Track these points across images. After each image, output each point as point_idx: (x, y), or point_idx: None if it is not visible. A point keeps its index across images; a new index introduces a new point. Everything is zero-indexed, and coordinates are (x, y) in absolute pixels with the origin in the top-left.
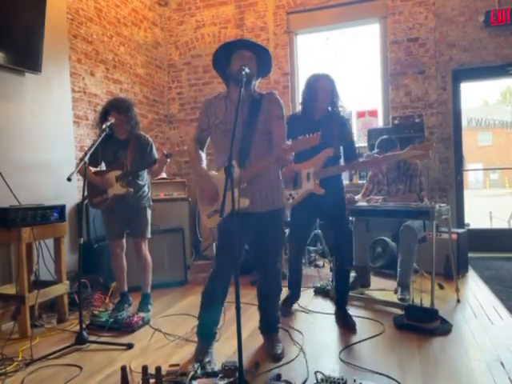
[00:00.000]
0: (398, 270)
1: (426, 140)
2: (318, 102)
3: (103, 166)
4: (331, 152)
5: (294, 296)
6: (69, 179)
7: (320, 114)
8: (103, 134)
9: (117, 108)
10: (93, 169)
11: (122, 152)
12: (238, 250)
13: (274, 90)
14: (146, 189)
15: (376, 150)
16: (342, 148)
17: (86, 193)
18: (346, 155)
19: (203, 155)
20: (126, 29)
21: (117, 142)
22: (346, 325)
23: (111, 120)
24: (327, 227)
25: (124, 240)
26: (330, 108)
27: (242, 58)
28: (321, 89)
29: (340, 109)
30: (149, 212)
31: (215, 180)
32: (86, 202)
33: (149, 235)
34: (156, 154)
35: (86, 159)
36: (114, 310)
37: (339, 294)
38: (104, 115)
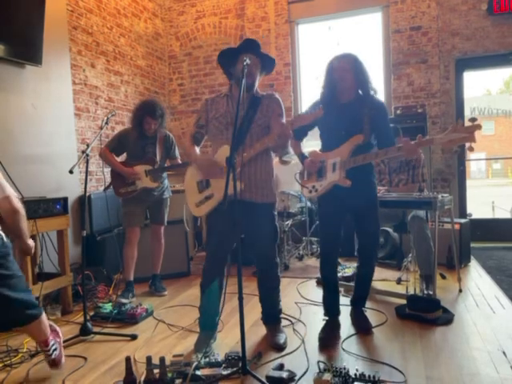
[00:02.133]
0: (418, 263)
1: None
2: (338, 84)
3: (121, 157)
4: (361, 139)
5: (333, 322)
6: (71, 171)
7: (347, 98)
8: (105, 125)
9: (152, 114)
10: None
11: (150, 148)
12: (231, 239)
13: (275, 84)
14: (166, 181)
15: None
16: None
17: (106, 182)
18: (380, 144)
19: (197, 150)
20: (126, 20)
21: (145, 137)
22: (360, 328)
23: (112, 113)
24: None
25: (140, 230)
26: (360, 91)
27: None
28: (338, 68)
29: (372, 92)
30: (169, 201)
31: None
32: (108, 189)
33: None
34: (178, 152)
35: (88, 151)
36: (119, 296)
37: (358, 295)
38: (139, 119)
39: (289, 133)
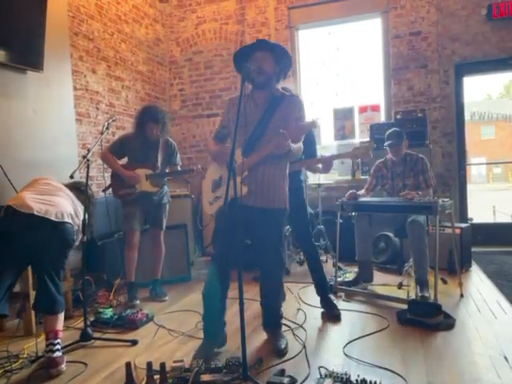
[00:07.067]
0: (414, 267)
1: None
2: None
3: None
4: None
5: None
6: (71, 176)
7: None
8: (106, 131)
9: (154, 119)
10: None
11: (151, 152)
12: (235, 240)
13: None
14: (165, 187)
15: (388, 142)
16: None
17: (108, 184)
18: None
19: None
20: (126, 26)
21: (147, 142)
22: (328, 314)
23: (113, 118)
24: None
25: (140, 232)
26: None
27: (256, 60)
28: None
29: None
30: (168, 207)
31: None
32: (108, 191)
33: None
34: (180, 159)
35: (89, 156)
36: (128, 298)
37: (317, 283)
38: (142, 124)
39: (286, 144)
